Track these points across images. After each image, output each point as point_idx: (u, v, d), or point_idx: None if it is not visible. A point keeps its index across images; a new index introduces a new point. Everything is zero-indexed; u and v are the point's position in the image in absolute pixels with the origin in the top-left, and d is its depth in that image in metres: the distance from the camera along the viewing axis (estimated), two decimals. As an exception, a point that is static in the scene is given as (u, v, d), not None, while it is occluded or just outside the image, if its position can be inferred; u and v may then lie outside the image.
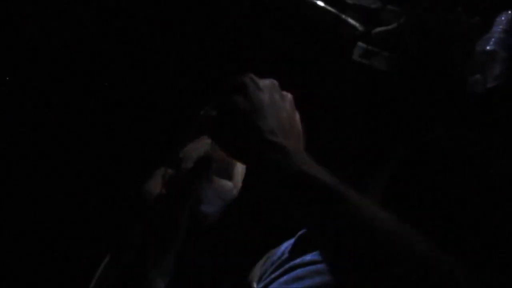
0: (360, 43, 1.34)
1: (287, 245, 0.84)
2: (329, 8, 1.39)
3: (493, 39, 1.20)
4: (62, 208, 1.45)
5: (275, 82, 0.74)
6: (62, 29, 1.54)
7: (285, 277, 0.76)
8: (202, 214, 0.82)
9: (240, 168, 0.84)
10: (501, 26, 1.21)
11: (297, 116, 0.75)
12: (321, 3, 1.40)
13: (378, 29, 1.34)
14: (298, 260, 0.77)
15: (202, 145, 0.80)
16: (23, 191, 1.48)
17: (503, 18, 1.23)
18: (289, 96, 0.75)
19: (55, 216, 1.45)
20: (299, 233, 0.83)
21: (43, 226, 1.44)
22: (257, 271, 0.86)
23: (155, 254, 0.72)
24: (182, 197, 0.76)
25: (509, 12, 1.24)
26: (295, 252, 0.80)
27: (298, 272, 0.75)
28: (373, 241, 0.60)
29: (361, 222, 0.61)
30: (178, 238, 0.75)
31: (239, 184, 0.84)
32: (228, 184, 0.82)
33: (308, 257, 0.76)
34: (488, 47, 1.18)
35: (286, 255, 0.81)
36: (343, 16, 1.38)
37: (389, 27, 1.33)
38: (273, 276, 0.79)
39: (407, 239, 0.61)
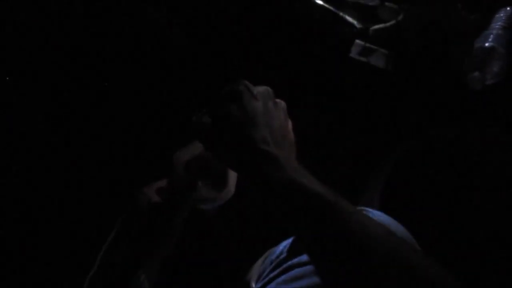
0: (358, 41, 1.34)
1: (285, 244, 0.84)
2: (327, 5, 1.39)
3: (491, 36, 1.20)
4: (55, 208, 1.45)
5: (269, 89, 0.74)
6: (61, 29, 1.54)
7: (283, 277, 0.76)
8: (200, 210, 0.82)
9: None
10: (499, 23, 1.21)
11: (290, 125, 0.75)
12: (319, 1, 1.39)
13: (376, 26, 1.34)
14: (296, 260, 0.77)
15: (194, 150, 0.80)
16: (14, 190, 1.48)
17: (502, 14, 1.23)
18: (282, 104, 0.75)
19: (47, 216, 1.45)
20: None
21: (35, 226, 1.44)
22: (255, 270, 0.86)
23: (144, 256, 0.72)
24: (174, 205, 0.76)
25: (508, 8, 1.24)
26: (293, 251, 0.80)
27: (297, 271, 0.75)
28: (363, 251, 0.60)
29: (352, 233, 0.61)
30: (169, 243, 0.75)
31: (233, 187, 0.83)
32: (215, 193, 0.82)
33: (306, 257, 0.76)
34: (486, 44, 1.18)
35: (284, 254, 0.81)
36: (341, 14, 1.38)
37: (387, 24, 1.33)
38: (271, 275, 0.79)
39: (399, 250, 0.61)
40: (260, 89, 0.73)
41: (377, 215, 0.76)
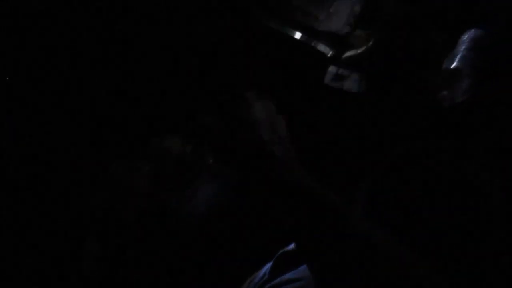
0: (331, 67, 1.38)
1: (268, 266, 0.87)
2: (300, 34, 1.42)
3: (457, 57, 1.24)
4: (45, 205, 1.44)
5: (271, 103, 0.77)
6: (60, 29, 1.54)
7: (266, 297, 0.80)
8: (187, 216, 0.83)
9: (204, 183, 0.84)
10: (464, 45, 1.25)
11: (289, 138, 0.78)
12: (293, 31, 1.43)
13: (348, 53, 1.38)
14: (277, 280, 0.80)
15: (175, 143, 0.80)
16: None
17: (466, 37, 1.27)
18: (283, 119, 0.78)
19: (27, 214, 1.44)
20: (278, 253, 0.86)
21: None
22: (240, 293, 0.89)
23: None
24: (154, 193, 0.76)
25: (472, 30, 1.29)
26: (274, 272, 0.83)
27: (278, 291, 0.79)
28: (366, 255, 0.62)
29: (356, 236, 0.63)
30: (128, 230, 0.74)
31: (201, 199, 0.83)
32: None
33: (286, 276, 0.79)
34: (452, 66, 1.23)
35: (267, 276, 0.84)
36: (314, 42, 1.42)
37: (359, 50, 1.37)
38: (255, 296, 0.82)
39: (398, 256, 0.64)
40: (265, 100, 0.76)
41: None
